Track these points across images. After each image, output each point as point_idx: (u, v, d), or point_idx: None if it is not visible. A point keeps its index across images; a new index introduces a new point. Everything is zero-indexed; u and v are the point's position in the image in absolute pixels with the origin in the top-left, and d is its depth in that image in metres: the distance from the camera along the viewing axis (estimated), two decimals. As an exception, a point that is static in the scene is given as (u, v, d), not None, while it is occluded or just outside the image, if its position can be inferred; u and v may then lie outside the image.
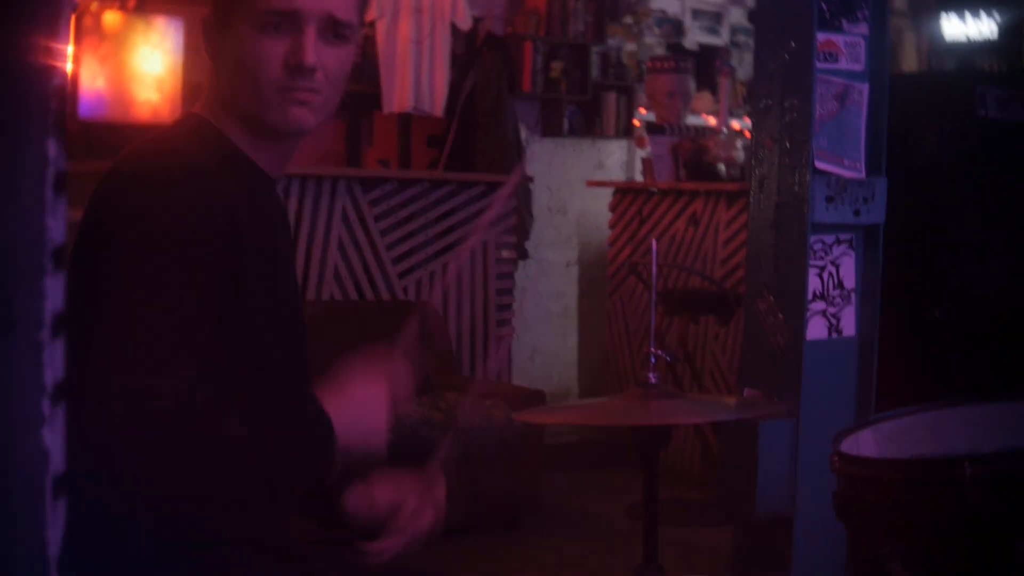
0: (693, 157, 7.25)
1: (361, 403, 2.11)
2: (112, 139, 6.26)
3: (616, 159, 8.88)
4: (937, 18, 8.89)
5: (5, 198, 1.10)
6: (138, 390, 1.86)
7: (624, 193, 7.58)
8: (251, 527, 2.18)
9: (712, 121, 8.63)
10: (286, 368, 2.27)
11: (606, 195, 7.78)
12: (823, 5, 3.86)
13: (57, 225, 1.11)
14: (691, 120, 8.11)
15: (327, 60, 2.16)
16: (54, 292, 1.12)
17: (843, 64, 3.91)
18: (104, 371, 1.87)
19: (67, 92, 1.11)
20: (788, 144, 3.85)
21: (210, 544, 2.10)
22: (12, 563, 1.13)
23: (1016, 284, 4.56)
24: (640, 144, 8.40)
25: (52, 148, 1.10)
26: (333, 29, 2.16)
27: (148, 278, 1.94)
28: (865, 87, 3.95)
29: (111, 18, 6.50)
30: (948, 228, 4.40)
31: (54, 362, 1.13)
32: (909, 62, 9.92)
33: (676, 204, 7.20)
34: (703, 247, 7.01)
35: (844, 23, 3.90)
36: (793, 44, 3.87)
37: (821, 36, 3.86)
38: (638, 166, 8.50)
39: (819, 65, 3.86)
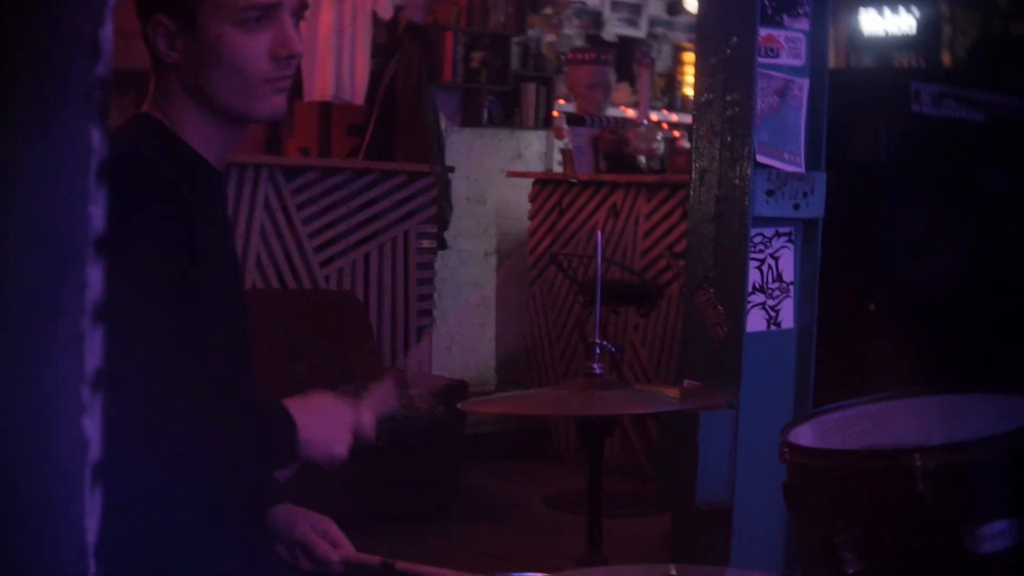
0: (613, 148, 7.29)
1: (326, 408, 2.13)
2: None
3: (535, 150, 8.91)
4: (856, 13, 8.98)
5: (50, 187, 1.09)
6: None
7: (544, 184, 7.59)
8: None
9: (631, 113, 8.68)
10: (241, 357, 2.27)
11: (525, 185, 7.80)
12: (765, 1, 3.89)
13: (99, 213, 1.11)
14: (611, 112, 8.14)
15: (298, 44, 2.18)
16: (95, 280, 1.11)
17: (784, 59, 3.95)
18: None
19: (110, 82, 1.10)
20: (729, 138, 3.87)
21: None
22: (54, 550, 1.12)
23: (952, 280, 4.63)
24: (559, 135, 8.43)
25: (95, 137, 1.09)
26: (299, 12, 2.18)
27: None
28: (805, 82, 3.99)
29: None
30: (885, 224, 4.46)
31: (94, 350, 1.12)
32: (830, 57, 10.03)
33: (596, 195, 7.23)
34: (623, 238, 7.05)
35: (785, 19, 3.94)
36: (735, 39, 3.89)
37: (763, 31, 3.89)
38: (557, 157, 8.54)
39: (760, 60, 3.88)
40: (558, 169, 8.19)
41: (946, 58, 8.33)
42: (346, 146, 7.65)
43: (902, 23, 8.70)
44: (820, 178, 3.98)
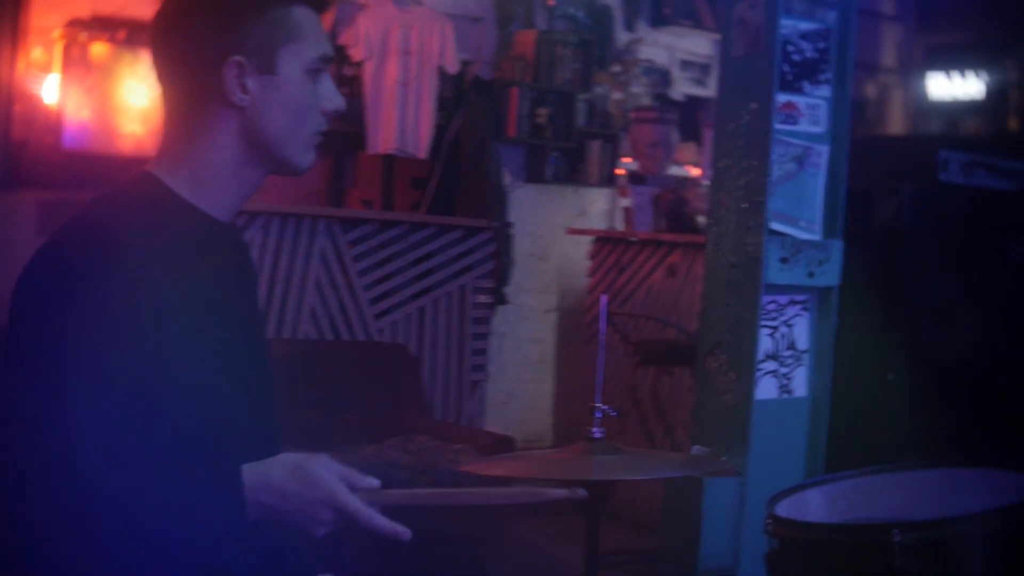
0: (673, 208, 7.27)
1: (304, 485, 2.10)
2: (96, 170, 6.31)
3: (599, 207, 8.91)
4: (924, 77, 8.92)
5: None
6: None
7: (604, 242, 7.58)
8: None
9: (694, 172, 8.66)
10: (221, 419, 2.24)
11: (586, 243, 7.80)
12: (785, 67, 3.88)
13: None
14: (674, 171, 8.13)
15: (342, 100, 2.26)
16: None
17: (803, 126, 3.94)
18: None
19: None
20: (745, 204, 3.87)
21: None
22: None
23: (975, 349, 4.58)
24: (623, 193, 8.42)
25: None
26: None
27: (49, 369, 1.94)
28: (825, 149, 3.98)
29: (99, 49, 6.54)
30: (907, 292, 4.41)
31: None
32: (895, 120, 9.97)
33: (655, 255, 7.21)
34: (680, 298, 7.02)
35: (806, 85, 3.93)
36: (753, 105, 3.90)
37: (782, 97, 3.89)
38: (620, 215, 8.53)
39: (778, 127, 3.89)
40: (621, 227, 8.18)
41: (1012, 124, 8.26)
42: (409, 199, 7.69)
43: (970, 88, 8.63)
44: (837, 246, 3.96)
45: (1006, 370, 4.65)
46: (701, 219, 7.23)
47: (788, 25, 3.90)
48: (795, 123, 3.92)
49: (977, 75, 8.60)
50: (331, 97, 2.20)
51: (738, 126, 3.92)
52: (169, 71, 2.19)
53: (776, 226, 3.87)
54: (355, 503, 2.11)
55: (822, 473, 3.93)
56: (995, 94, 8.54)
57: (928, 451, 4.25)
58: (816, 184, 3.94)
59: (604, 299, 3.50)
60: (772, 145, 3.84)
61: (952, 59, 8.80)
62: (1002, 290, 4.64)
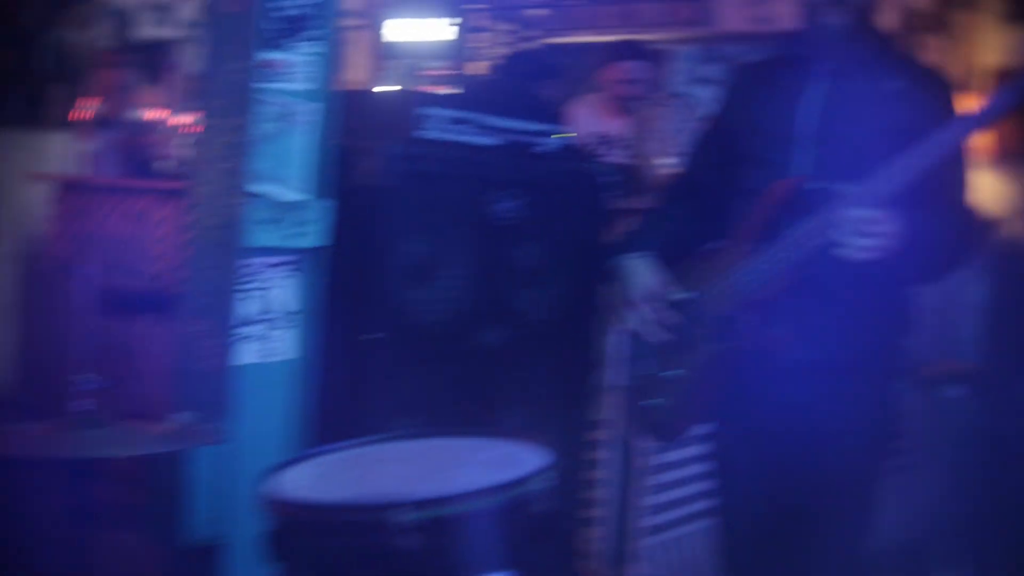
0: (137, 152, 7.04)
1: None
2: None
3: (61, 152, 8.51)
4: (388, 19, 8.90)
5: None
6: None
7: (67, 188, 7.25)
8: None
9: (160, 116, 8.41)
10: None
11: (46, 189, 7.42)
12: (269, 24, 3.78)
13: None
14: (138, 114, 7.85)
15: None
16: None
17: (287, 83, 3.85)
18: None
19: None
20: (227, 165, 3.76)
21: None
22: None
23: (455, 311, 4.63)
24: (84, 138, 8.08)
25: None
26: None
27: None
28: (310, 107, 3.90)
29: None
30: (392, 251, 4.39)
31: None
32: (361, 65, 10.03)
33: (122, 202, 6.95)
34: (147, 246, 6.80)
35: (289, 42, 3.84)
36: (236, 63, 3.78)
37: (266, 55, 3.78)
38: (84, 160, 8.18)
39: (262, 85, 3.78)
40: (85, 172, 7.84)
41: (469, 68, 8.44)
42: None
43: (434, 31, 8.68)
44: (324, 206, 3.91)
45: (480, 327, 4.74)
46: (167, 163, 7.05)
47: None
48: (279, 81, 3.82)
49: (439, 18, 8.66)
50: None
51: (220, 84, 3.79)
52: None
53: (260, 187, 3.77)
54: None
55: (316, 439, 3.89)
56: (459, 39, 8.66)
57: (414, 417, 4.27)
58: (302, 143, 3.86)
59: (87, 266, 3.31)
60: (254, 104, 3.72)
61: (416, 2, 8.85)
62: (484, 248, 4.72)
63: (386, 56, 8.92)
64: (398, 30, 8.82)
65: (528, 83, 6.61)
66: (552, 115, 5.30)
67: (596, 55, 7.97)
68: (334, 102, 3.96)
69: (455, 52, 8.66)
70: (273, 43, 3.81)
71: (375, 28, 9.72)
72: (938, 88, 3.53)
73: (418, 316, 4.49)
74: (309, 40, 3.86)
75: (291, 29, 3.84)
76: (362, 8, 10.22)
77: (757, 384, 3.59)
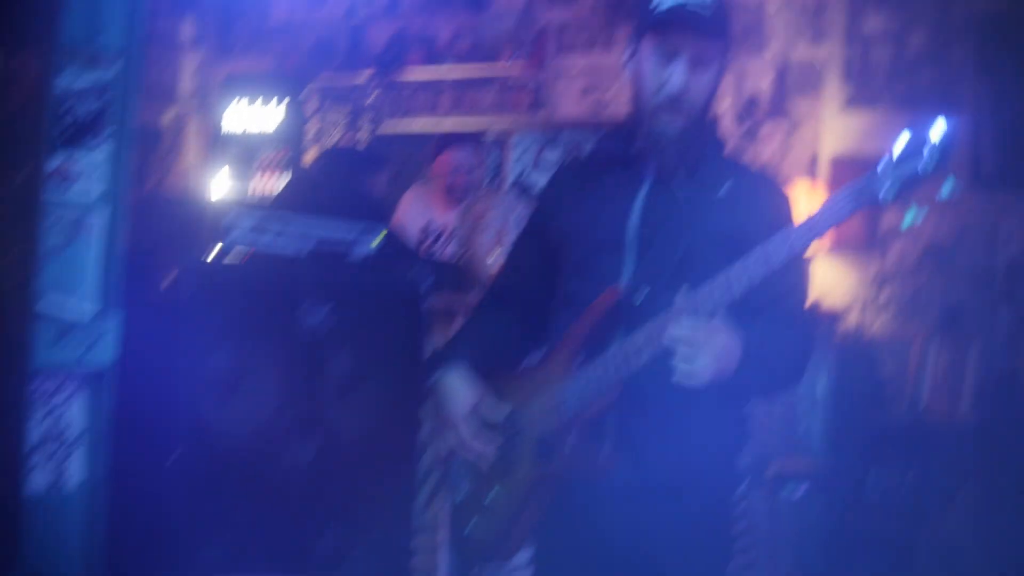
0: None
1: None
2: None
3: None
4: (222, 105, 8.63)
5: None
6: None
7: None
8: None
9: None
10: None
11: None
12: (58, 128, 3.56)
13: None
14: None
15: None
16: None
17: (78, 190, 3.63)
18: None
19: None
20: (8, 285, 3.51)
21: None
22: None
23: (260, 427, 4.43)
24: None
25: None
26: None
27: None
28: (103, 213, 3.68)
29: None
30: (193, 365, 4.19)
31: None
32: (193, 150, 9.78)
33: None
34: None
35: (81, 146, 3.63)
36: (21, 169, 3.54)
37: (56, 160, 3.56)
38: None
39: (51, 194, 3.55)
40: None
41: (307, 157, 8.21)
42: None
43: (268, 117, 8.43)
44: (113, 320, 3.68)
45: (297, 447, 4.53)
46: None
47: (65, 80, 3.57)
48: (69, 188, 3.60)
49: (277, 103, 8.41)
50: None
51: (8, 192, 3.55)
52: None
53: (46, 304, 3.53)
54: None
55: (104, 570, 3.63)
56: (293, 123, 8.41)
57: (217, 549, 4.05)
58: (92, 254, 3.64)
59: None
60: (43, 214, 3.49)
61: (251, 86, 8.59)
62: (294, 355, 4.50)
63: (218, 143, 8.62)
64: (232, 116, 8.54)
65: (348, 179, 6.36)
66: (373, 212, 5.09)
67: (427, 145, 7.76)
68: (128, 208, 3.73)
69: (290, 139, 8.39)
70: (65, 146, 3.58)
71: (207, 113, 9.45)
72: (772, 194, 3.38)
73: (220, 434, 4.26)
74: (104, 141, 3.64)
75: (85, 130, 3.62)
76: (192, 92, 9.99)
77: (583, 508, 3.40)
